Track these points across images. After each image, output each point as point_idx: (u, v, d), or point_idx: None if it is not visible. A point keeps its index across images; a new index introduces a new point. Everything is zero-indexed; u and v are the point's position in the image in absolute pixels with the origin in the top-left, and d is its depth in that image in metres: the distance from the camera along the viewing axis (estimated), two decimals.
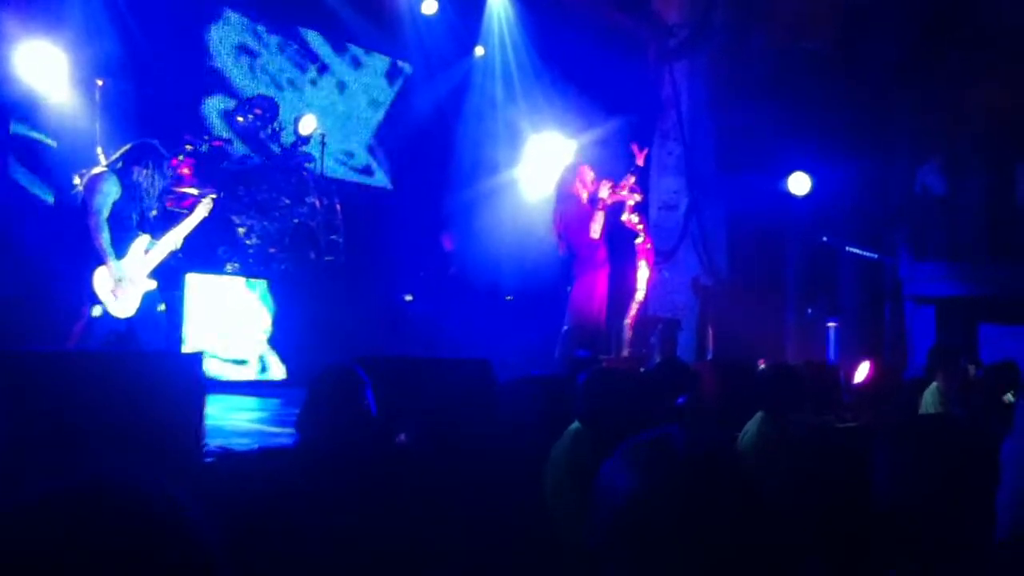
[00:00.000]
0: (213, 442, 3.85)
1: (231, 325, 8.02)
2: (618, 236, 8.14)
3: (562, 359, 7.23)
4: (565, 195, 7.71)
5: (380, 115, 11.28)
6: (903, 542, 1.64)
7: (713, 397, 5.36)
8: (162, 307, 5.95)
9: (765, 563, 1.17)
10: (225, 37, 9.70)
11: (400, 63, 11.26)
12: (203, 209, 6.18)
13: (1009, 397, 5.61)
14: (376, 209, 10.64)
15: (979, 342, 10.51)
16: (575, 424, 3.82)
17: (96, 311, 5.48)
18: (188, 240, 6.19)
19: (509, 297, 10.53)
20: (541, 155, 9.90)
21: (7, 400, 2.93)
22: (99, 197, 5.51)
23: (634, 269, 8.31)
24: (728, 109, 10.86)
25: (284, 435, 4.46)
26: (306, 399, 3.17)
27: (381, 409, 3.23)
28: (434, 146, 11.29)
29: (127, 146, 5.78)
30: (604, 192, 7.62)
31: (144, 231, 5.83)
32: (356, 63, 10.98)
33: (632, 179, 7.91)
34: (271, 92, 9.84)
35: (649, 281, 8.44)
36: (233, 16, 9.78)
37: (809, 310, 11.29)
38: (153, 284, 5.77)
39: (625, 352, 8.52)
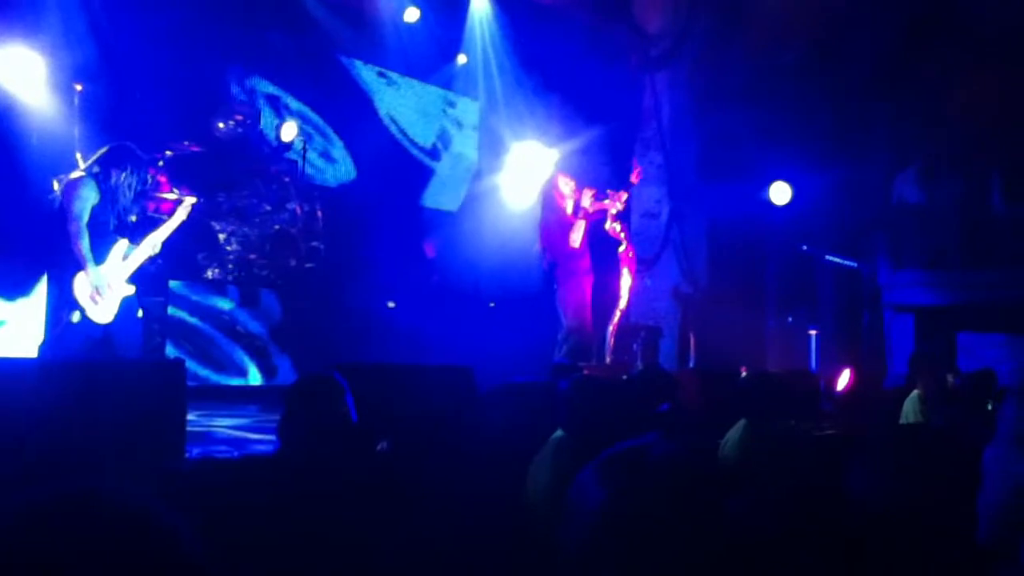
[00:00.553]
0: (194, 449, 3.83)
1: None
2: (601, 244, 8.16)
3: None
4: (547, 206, 7.76)
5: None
6: (881, 550, 1.65)
7: (695, 404, 5.38)
8: (139, 313, 5.89)
9: (742, 572, 1.17)
10: (209, 40, 9.64)
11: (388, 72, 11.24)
12: (182, 213, 6.12)
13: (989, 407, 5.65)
14: (358, 215, 10.61)
15: (958, 350, 10.59)
16: (558, 432, 3.82)
17: (75, 317, 5.41)
18: (168, 246, 6.14)
19: (492, 304, 10.53)
20: (523, 163, 9.92)
21: None
22: (78, 203, 5.44)
23: (617, 277, 8.34)
24: (709, 117, 10.92)
25: (265, 442, 4.44)
26: (286, 406, 3.15)
27: (362, 416, 3.21)
28: (417, 151, 11.28)
29: (103, 149, 5.72)
30: (586, 201, 7.65)
31: (122, 236, 5.77)
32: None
33: (625, 195, 7.97)
34: (254, 98, 9.81)
35: (631, 289, 8.48)
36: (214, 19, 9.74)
37: (790, 318, 11.35)
38: (131, 289, 5.70)
39: (607, 359, 8.54)
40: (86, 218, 5.44)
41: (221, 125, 9.29)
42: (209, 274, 8.53)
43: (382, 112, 11.26)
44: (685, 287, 10.84)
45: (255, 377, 8.26)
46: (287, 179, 9.62)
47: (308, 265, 9.58)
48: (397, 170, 11.12)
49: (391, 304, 10.08)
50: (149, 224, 6.35)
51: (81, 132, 6.94)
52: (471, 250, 10.22)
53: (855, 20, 10.75)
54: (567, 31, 10.56)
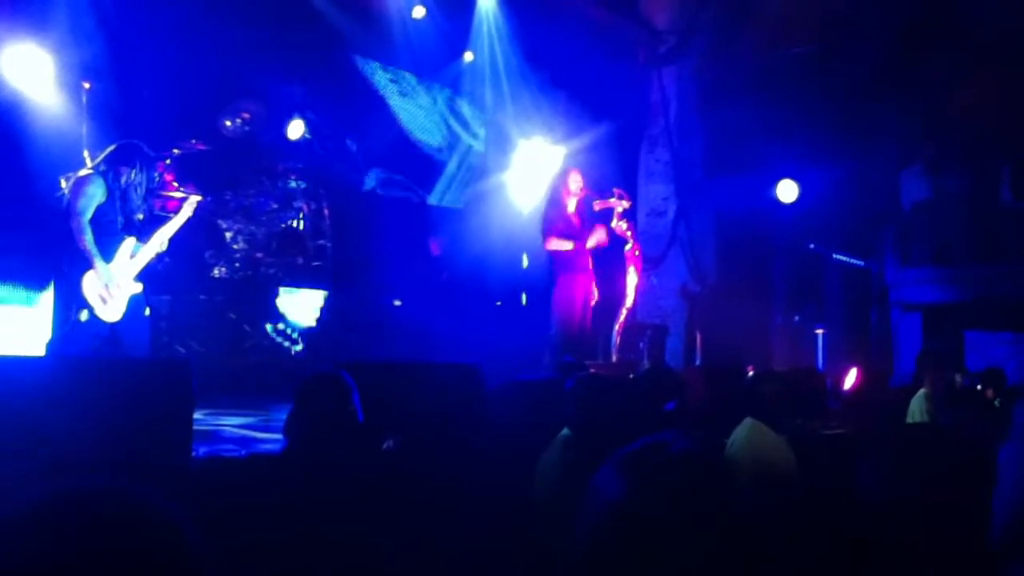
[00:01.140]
0: (201, 448, 3.84)
1: None
2: (608, 243, 8.15)
3: (551, 364, 7.23)
4: (552, 200, 7.75)
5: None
6: (890, 550, 1.64)
7: (701, 403, 5.36)
8: (147, 312, 5.91)
9: (753, 569, 1.17)
10: (216, 38, 9.64)
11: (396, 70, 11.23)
12: (188, 210, 6.13)
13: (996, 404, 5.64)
14: (364, 214, 10.62)
15: (965, 348, 10.55)
16: (565, 430, 3.81)
17: (83, 315, 5.42)
18: (175, 245, 6.15)
19: (498, 302, 10.53)
20: (530, 160, 9.91)
21: None
22: (83, 199, 5.45)
23: (623, 275, 8.32)
24: (716, 113, 10.90)
25: (272, 441, 4.44)
26: (293, 405, 3.16)
27: (368, 415, 3.22)
28: (424, 151, 11.28)
29: (112, 147, 5.73)
30: (596, 207, 7.72)
31: (130, 234, 5.78)
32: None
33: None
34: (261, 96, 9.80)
35: (637, 287, 8.46)
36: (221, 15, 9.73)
37: (797, 316, 11.32)
38: (139, 287, 5.71)
39: (614, 358, 8.53)
40: (89, 215, 5.45)
41: (228, 123, 9.30)
42: (216, 272, 8.54)
43: (389, 109, 11.26)
44: (692, 285, 10.82)
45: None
46: (294, 177, 9.63)
47: (315, 263, 9.60)
48: (404, 168, 11.12)
49: (397, 302, 10.10)
50: (156, 222, 6.36)
51: (89, 130, 6.95)
52: (478, 248, 10.22)
53: (862, 15, 10.71)
54: (574, 27, 10.54)
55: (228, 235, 8.86)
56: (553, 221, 7.64)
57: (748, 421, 4.43)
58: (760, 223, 11.09)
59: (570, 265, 7.56)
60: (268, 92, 9.90)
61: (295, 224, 9.55)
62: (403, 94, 11.24)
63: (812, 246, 11.04)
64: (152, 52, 8.49)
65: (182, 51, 8.81)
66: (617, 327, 8.45)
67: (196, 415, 3.71)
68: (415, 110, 11.38)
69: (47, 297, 7.14)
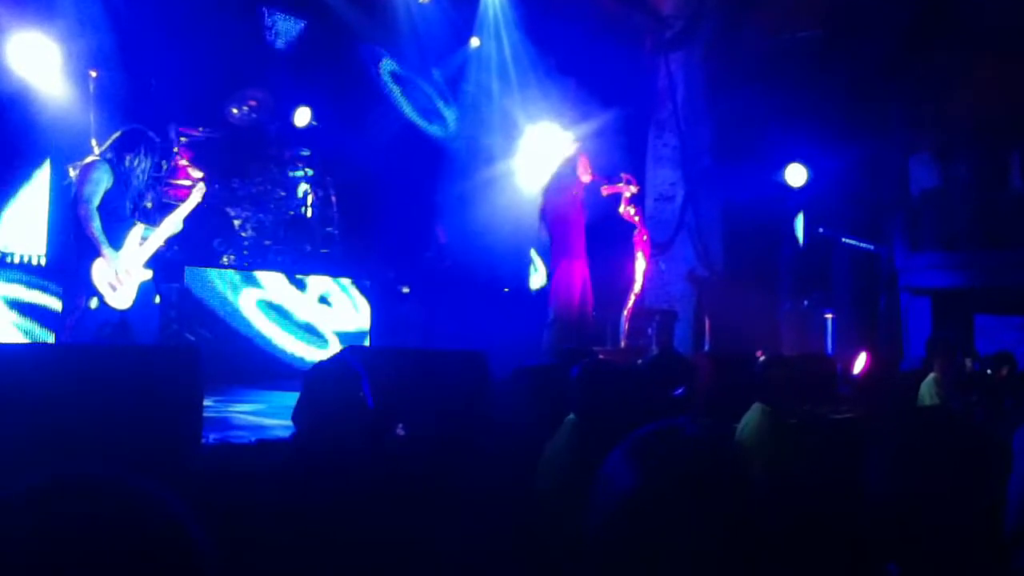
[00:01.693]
0: (211, 435, 3.85)
1: None
2: (615, 228, 8.14)
3: (550, 350, 7.21)
4: (558, 186, 7.70)
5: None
6: (900, 535, 1.64)
7: (710, 389, 5.36)
8: (156, 299, 5.92)
9: (766, 555, 1.17)
10: (223, 26, 9.62)
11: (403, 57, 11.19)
12: (196, 195, 6.13)
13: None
14: (371, 201, 10.61)
15: (975, 333, 10.53)
16: (572, 416, 3.82)
17: (93, 303, 5.44)
18: (183, 232, 6.15)
19: (506, 289, 10.53)
20: (537, 146, 9.87)
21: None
22: (89, 186, 5.45)
23: (631, 261, 8.31)
24: (723, 98, 10.85)
25: (281, 427, 4.46)
26: (302, 392, 3.16)
27: (378, 401, 3.22)
28: (430, 137, 11.26)
29: (117, 134, 5.73)
30: (604, 192, 7.73)
31: (140, 220, 5.79)
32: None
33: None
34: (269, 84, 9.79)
35: (645, 273, 8.45)
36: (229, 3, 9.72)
37: (805, 301, 11.30)
38: (149, 274, 5.72)
39: (622, 344, 8.53)
40: (96, 201, 5.44)
41: (235, 111, 9.30)
42: (224, 260, 8.56)
43: (396, 97, 11.23)
44: (700, 270, 10.80)
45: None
46: (301, 165, 9.62)
47: (323, 251, 9.61)
48: (411, 155, 11.10)
49: (405, 289, 10.10)
50: (165, 210, 6.37)
51: (96, 118, 6.96)
52: (485, 234, 10.20)
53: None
54: (581, 13, 10.49)
55: (236, 223, 8.86)
56: (561, 205, 7.60)
57: (757, 406, 4.43)
58: (768, 207, 11.05)
59: (568, 251, 7.53)
60: (273, 78, 9.89)
61: (303, 211, 9.55)
62: (407, 75, 11.21)
63: (821, 230, 11.00)
64: (159, 41, 8.48)
65: (188, 39, 8.80)
66: (625, 313, 8.44)
67: (206, 402, 3.72)
68: (419, 94, 11.36)
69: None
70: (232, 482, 3.12)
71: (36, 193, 7.57)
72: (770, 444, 4.19)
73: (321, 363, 3.28)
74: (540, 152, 9.69)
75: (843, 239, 10.98)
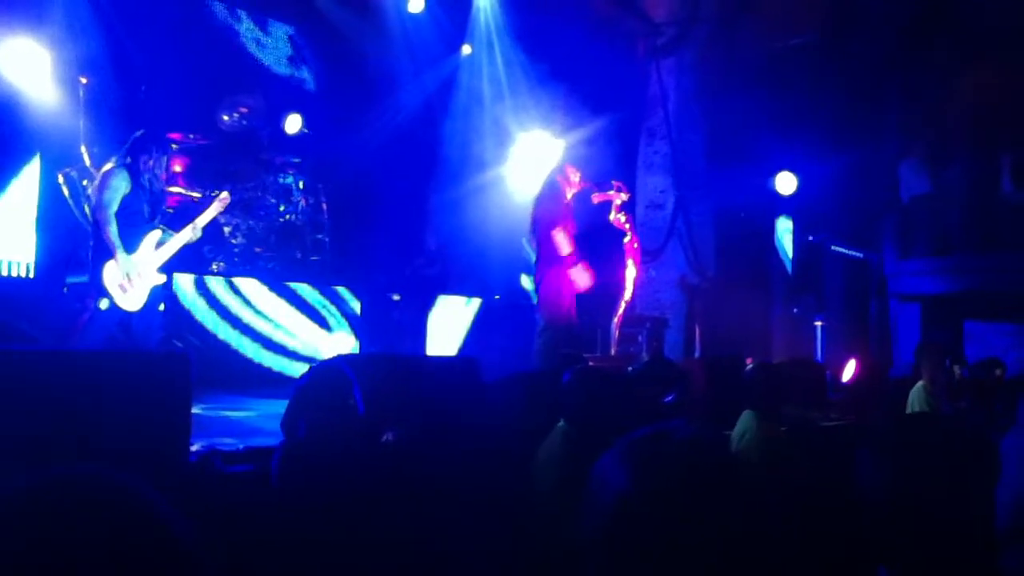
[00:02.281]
0: (199, 441, 3.83)
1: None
2: (605, 235, 8.13)
3: (541, 358, 7.19)
4: (547, 196, 7.66)
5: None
6: (891, 539, 1.64)
7: (701, 395, 5.36)
8: (161, 307, 5.99)
9: (758, 559, 1.17)
10: (211, 33, 9.63)
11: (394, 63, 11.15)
12: (219, 204, 6.22)
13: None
14: (362, 208, 10.59)
15: (965, 339, 10.56)
16: (563, 422, 3.82)
17: (103, 304, 5.51)
18: None
19: (496, 296, 10.51)
20: (528, 153, 9.88)
21: None
22: (108, 192, 5.57)
23: (622, 268, 8.31)
24: (715, 105, 10.88)
25: (270, 434, 4.43)
26: (292, 398, 3.15)
27: (368, 407, 3.21)
28: (421, 144, 11.25)
29: (138, 133, 5.83)
30: (594, 200, 7.70)
31: (160, 224, 5.88)
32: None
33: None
34: (256, 90, 9.78)
35: (636, 280, 8.45)
36: (219, 9, 9.71)
37: (795, 308, 11.32)
38: (163, 278, 5.83)
39: (613, 351, 8.52)
40: (115, 207, 5.57)
41: (226, 118, 9.29)
42: (214, 267, 8.53)
43: (386, 103, 11.22)
44: (691, 277, 10.82)
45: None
46: (292, 172, 9.61)
47: (314, 258, 9.58)
48: (403, 162, 11.08)
49: (396, 296, 10.08)
50: (179, 214, 6.43)
51: (86, 125, 6.94)
52: (476, 241, 10.19)
53: (862, 5, 10.70)
54: (572, 20, 10.51)
55: (227, 230, 8.84)
56: (554, 214, 7.58)
57: (748, 413, 4.43)
58: (758, 214, 11.08)
59: (558, 259, 7.51)
60: (264, 84, 9.88)
61: (293, 218, 9.53)
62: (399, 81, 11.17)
63: (811, 238, 11.03)
64: (149, 47, 8.47)
65: (179, 45, 8.79)
66: (616, 320, 8.44)
67: (194, 409, 3.70)
68: (411, 101, 11.34)
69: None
70: (221, 488, 3.11)
71: (25, 199, 7.53)
72: (761, 450, 4.20)
73: (313, 369, 3.27)
74: (531, 159, 9.70)
75: (832, 247, 11.00)
